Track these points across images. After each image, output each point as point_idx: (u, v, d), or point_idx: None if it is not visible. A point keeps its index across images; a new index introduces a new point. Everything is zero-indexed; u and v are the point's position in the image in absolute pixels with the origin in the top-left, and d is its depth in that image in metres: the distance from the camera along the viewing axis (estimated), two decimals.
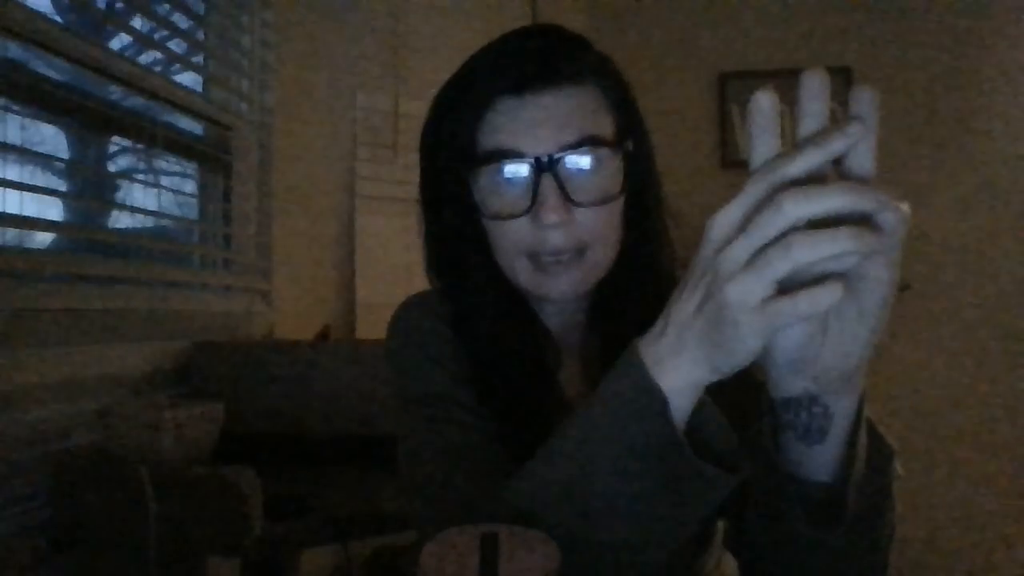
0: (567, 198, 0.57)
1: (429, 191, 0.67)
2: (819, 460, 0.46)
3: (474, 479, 0.58)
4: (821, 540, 0.47)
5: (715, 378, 0.41)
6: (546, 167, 0.57)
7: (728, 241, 0.36)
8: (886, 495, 0.47)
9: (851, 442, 0.45)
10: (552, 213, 0.57)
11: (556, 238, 0.59)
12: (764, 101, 0.37)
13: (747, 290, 0.35)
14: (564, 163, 0.58)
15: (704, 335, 0.39)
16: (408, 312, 0.71)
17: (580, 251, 0.60)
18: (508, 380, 0.64)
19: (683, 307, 0.40)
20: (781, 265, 0.34)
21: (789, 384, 0.44)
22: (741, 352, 0.37)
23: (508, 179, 0.59)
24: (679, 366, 0.41)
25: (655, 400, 0.41)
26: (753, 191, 0.36)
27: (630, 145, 0.61)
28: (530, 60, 0.59)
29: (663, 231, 0.67)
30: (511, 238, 0.61)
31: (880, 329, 0.40)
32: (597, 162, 0.59)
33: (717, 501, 0.44)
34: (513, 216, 0.59)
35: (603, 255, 0.62)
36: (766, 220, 0.34)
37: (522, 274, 0.62)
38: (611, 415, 0.43)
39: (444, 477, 0.60)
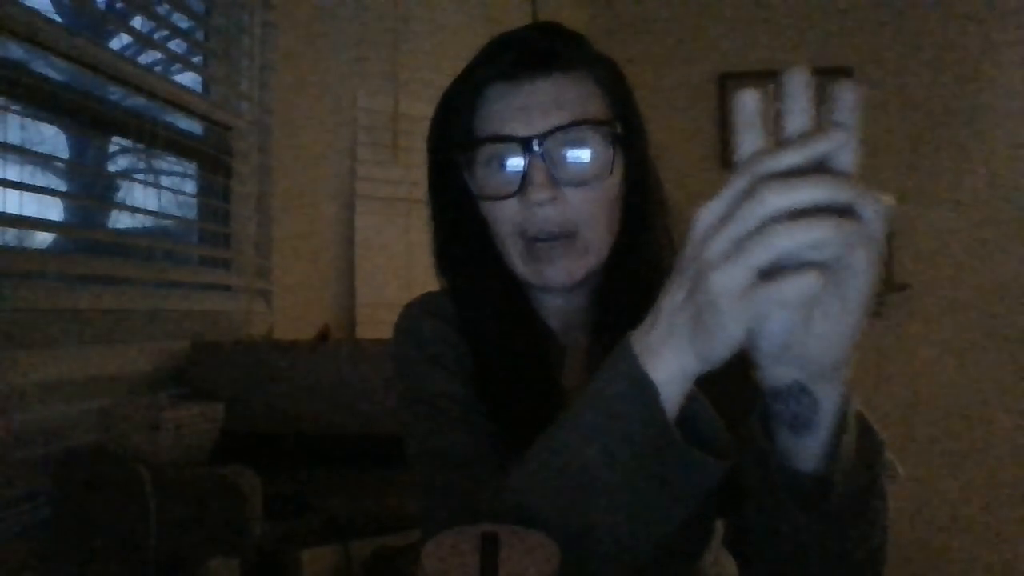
0: (555, 177, 0.60)
1: (434, 185, 0.69)
2: (809, 450, 0.46)
3: (475, 479, 0.59)
4: (811, 530, 0.47)
5: (704, 368, 0.42)
6: (534, 148, 0.59)
7: (713, 233, 0.37)
8: (876, 486, 0.48)
9: (839, 432, 0.45)
10: (540, 191, 0.59)
11: (545, 217, 0.60)
12: (749, 100, 0.38)
13: (730, 278, 0.36)
14: (553, 144, 0.60)
15: (691, 324, 0.40)
16: (411, 314, 0.72)
17: (570, 236, 0.62)
18: (510, 378, 0.65)
19: (671, 298, 0.42)
20: (761, 252, 0.35)
21: (778, 374, 0.44)
22: (726, 340, 0.38)
23: (500, 161, 0.62)
24: (668, 356, 0.42)
25: (646, 390, 0.42)
26: (737, 184, 0.37)
27: (618, 127, 0.62)
28: (525, 49, 0.62)
29: (662, 225, 0.68)
30: (504, 219, 0.63)
31: (863, 320, 0.40)
32: (585, 144, 0.61)
33: (707, 488, 0.45)
34: (505, 196, 0.61)
35: (594, 241, 0.63)
36: (748, 210, 0.36)
37: (518, 260, 0.64)
38: (603, 405, 0.45)
39: (446, 478, 0.61)
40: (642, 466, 0.44)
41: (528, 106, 0.61)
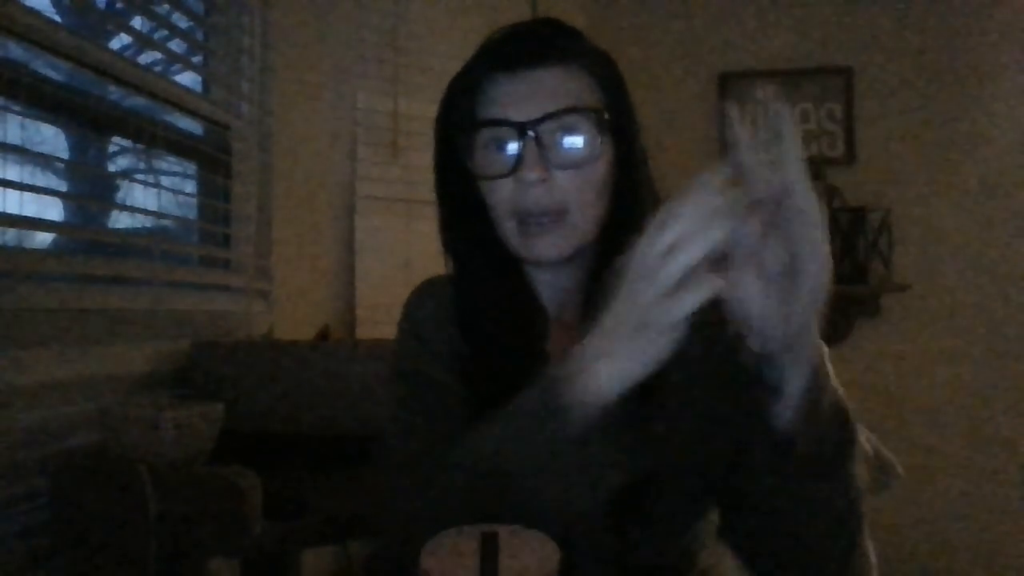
0: (546, 160, 0.65)
1: (439, 168, 0.74)
2: (780, 412, 0.53)
3: (430, 448, 0.67)
4: (781, 485, 0.56)
5: (644, 370, 0.50)
6: (528, 132, 0.64)
7: (638, 262, 0.48)
8: (841, 455, 0.56)
9: (807, 399, 0.52)
10: (531, 172, 0.64)
11: (536, 196, 0.65)
12: (734, 114, 0.48)
13: (652, 291, 0.47)
14: (545, 129, 0.65)
15: (627, 335, 0.50)
16: (414, 294, 0.78)
17: (559, 214, 0.66)
18: (498, 342, 0.71)
19: (610, 315, 0.51)
20: (671, 270, 0.46)
21: (755, 343, 0.51)
22: (658, 343, 0.48)
23: (498, 144, 0.67)
24: (610, 363, 0.51)
25: (558, 396, 0.52)
26: (652, 224, 0.49)
27: (606, 114, 0.67)
28: (523, 41, 0.68)
29: (653, 210, 0.71)
30: (500, 198, 0.67)
31: (816, 298, 0.48)
32: (576, 130, 0.66)
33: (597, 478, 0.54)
34: (500, 176, 0.66)
35: (581, 220, 0.67)
36: (656, 240, 0.47)
37: (511, 236, 0.69)
38: (530, 402, 0.55)
39: (405, 443, 0.70)
40: (549, 451, 0.53)
41: (524, 94, 0.66)
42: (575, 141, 0.66)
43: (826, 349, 0.54)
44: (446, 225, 0.75)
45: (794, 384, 0.51)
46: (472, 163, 0.68)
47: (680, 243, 0.46)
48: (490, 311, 0.72)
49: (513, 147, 0.66)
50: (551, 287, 0.74)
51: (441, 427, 0.69)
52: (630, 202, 0.70)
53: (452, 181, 0.72)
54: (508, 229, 0.68)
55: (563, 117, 0.65)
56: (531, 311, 0.73)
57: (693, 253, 0.46)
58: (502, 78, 0.67)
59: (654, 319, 0.47)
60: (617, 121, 0.68)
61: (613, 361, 0.50)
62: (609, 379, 0.51)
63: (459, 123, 0.69)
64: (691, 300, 0.46)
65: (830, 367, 0.55)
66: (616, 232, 0.70)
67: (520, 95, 0.66)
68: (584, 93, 0.67)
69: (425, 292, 0.78)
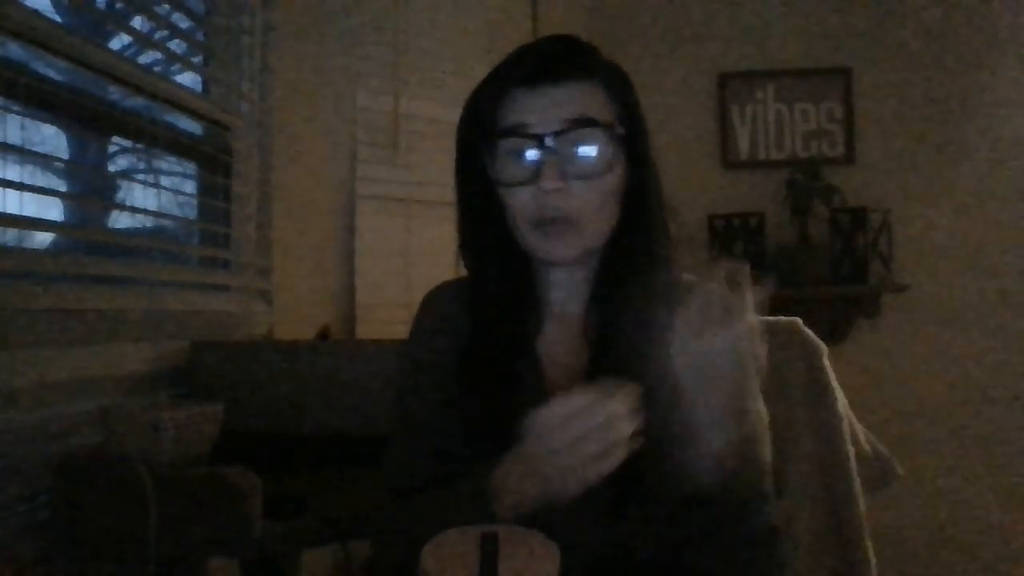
0: (563, 170, 0.70)
1: (460, 173, 0.79)
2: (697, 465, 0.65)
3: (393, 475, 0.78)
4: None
5: (543, 505, 0.60)
6: (547, 143, 0.70)
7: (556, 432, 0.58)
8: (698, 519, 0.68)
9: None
10: (550, 182, 0.69)
11: (553, 203, 0.71)
12: None
13: (563, 458, 0.57)
14: (563, 141, 0.70)
15: (534, 482, 0.60)
16: (429, 295, 0.85)
17: (572, 221, 0.72)
18: (493, 339, 0.77)
19: (520, 457, 0.61)
20: (589, 448, 0.57)
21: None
22: (557, 494, 0.58)
23: (518, 154, 0.72)
24: (514, 496, 0.61)
25: (485, 498, 0.63)
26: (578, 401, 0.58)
27: (620, 129, 0.73)
28: (544, 58, 0.73)
29: (660, 219, 0.78)
30: (518, 203, 0.73)
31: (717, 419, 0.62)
32: (591, 143, 0.71)
33: None
34: (520, 184, 0.72)
35: (593, 227, 0.73)
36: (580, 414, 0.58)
37: (528, 239, 0.74)
38: (460, 504, 0.65)
39: (392, 455, 0.81)
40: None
41: (543, 108, 0.71)
42: (589, 152, 0.71)
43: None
44: (464, 225, 0.81)
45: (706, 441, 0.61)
46: (493, 170, 0.73)
47: (601, 426, 0.56)
48: (494, 306, 0.78)
49: (532, 156, 0.71)
50: (561, 284, 0.80)
51: (427, 432, 0.78)
52: (639, 211, 0.76)
53: (471, 185, 0.78)
54: (525, 232, 0.74)
55: (579, 130, 0.70)
56: (529, 308, 0.80)
57: (610, 439, 0.57)
58: (523, 92, 0.72)
59: (561, 479, 0.58)
60: (629, 135, 0.74)
61: (516, 495, 0.61)
62: (514, 506, 0.61)
63: (481, 132, 0.74)
64: (598, 472, 0.57)
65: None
66: (625, 237, 0.76)
67: (540, 108, 0.71)
68: (599, 108, 0.72)
69: (432, 297, 0.85)
